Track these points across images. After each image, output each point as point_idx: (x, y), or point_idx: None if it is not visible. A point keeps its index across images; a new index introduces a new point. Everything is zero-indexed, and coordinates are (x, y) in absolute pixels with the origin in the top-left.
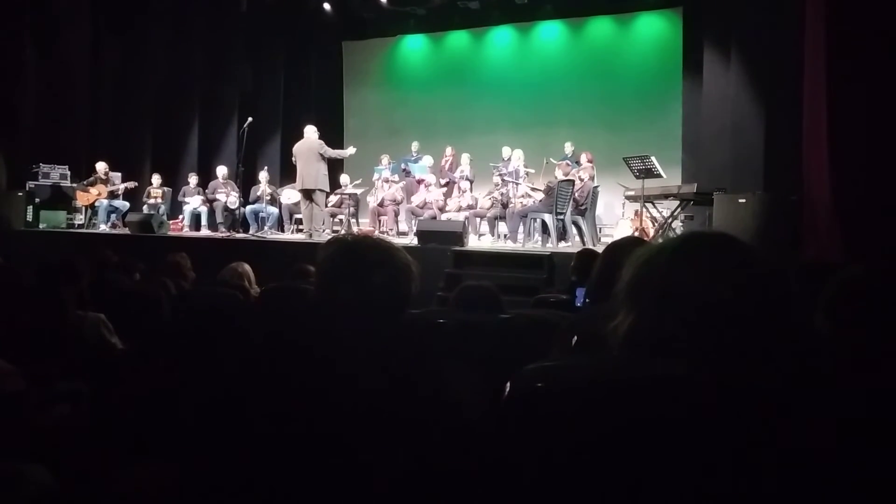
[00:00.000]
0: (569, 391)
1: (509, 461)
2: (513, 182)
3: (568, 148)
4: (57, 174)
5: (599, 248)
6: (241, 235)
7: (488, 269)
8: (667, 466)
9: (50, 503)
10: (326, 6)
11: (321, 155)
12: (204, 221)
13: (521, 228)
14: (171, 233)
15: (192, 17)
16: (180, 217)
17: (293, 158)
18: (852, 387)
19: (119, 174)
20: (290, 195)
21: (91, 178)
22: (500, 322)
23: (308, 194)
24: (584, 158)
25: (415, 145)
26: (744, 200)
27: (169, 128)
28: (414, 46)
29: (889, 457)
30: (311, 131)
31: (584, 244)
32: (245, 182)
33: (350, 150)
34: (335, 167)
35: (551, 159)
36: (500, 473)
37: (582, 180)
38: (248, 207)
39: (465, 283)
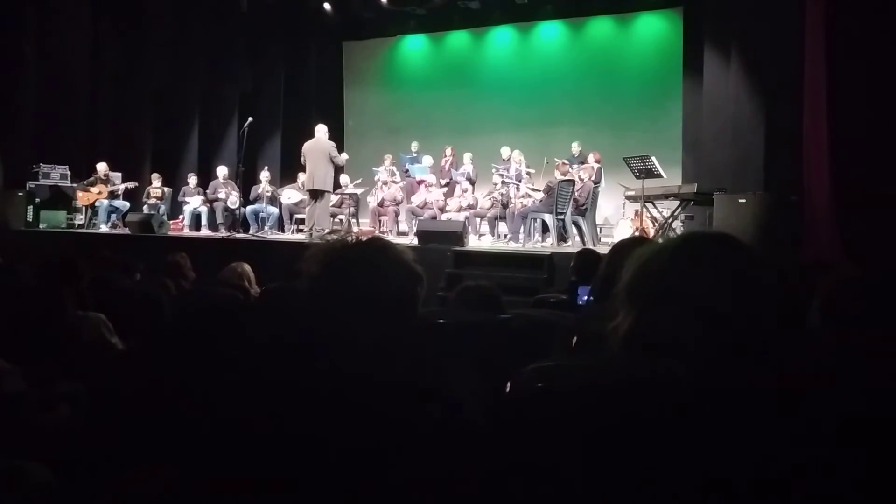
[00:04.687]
0: (569, 391)
1: (510, 461)
2: (513, 183)
3: (575, 148)
4: (57, 174)
5: (600, 249)
6: (241, 235)
7: (488, 269)
8: (666, 467)
9: (50, 501)
10: (327, 6)
11: (331, 157)
12: (204, 221)
13: (521, 228)
14: (171, 233)
15: (193, 17)
16: (180, 217)
17: (302, 158)
18: (850, 385)
19: (119, 174)
20: (290, 195)
21: (91, 178)
22: (501, 322)
23: (317, 194)
24: (591, 158)
25: (414, 145)
26: (744, 200)
27: (169, 128)
28: (414, 46)
29: (888, 455)
30: (321, 131)
31: (584, 244)
32: (245, 182)
33: (344, 157)
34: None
35: (556, 159)
36: (501, 473)
37: (582, 180)
38: (249, 207)
39: (465, 284)
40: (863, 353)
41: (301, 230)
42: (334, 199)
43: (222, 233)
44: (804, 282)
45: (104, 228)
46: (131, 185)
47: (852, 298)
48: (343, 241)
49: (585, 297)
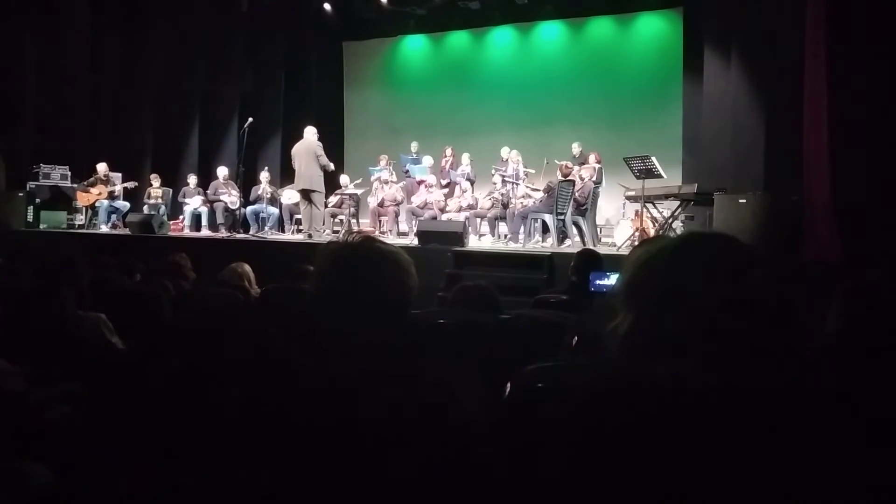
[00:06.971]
0: (569, 391)
1: (510, 460)
2: (512, 183)
3: (575, 148)
4: (57, 175)
5: (600, 249)
6: (241, 236)
7: (488, 270)
8: (666, 466)
9: (50, 501)
10: (327, 6)
11: (317, 156)
12: (204, 222)
13: (521, 229)
14: (171, 233)
15: (193, 18)
16: (181, 217)
17: (292, 160)
18: (857, 385)
19: (119, 174)
20: (290, 195)
21: (91, 179)
22: (501, 322)
23: (306, 195)
24: (592, 159)
25: (414, 145)
26: (744, 201)
27: (169, 128)
28: (414, 47)
29: (890, 456)
30: (310, 132)
31: (584, 244)
32: (245, 182)
33: (330, 166)
34: (335, 167)
35: (556, 161)
36: (501, 473)
37: (582, 179)
38: (249, 208)
39: (462, 284)
40: (877, 354)
41: (301, 230)
42: (334, 199)
43: (222, 233)
44: (804, 281)
45: (104, 229)
46: (131, 185)
47: (874, 304)
48: (337, 242)
49: (598, 283)
